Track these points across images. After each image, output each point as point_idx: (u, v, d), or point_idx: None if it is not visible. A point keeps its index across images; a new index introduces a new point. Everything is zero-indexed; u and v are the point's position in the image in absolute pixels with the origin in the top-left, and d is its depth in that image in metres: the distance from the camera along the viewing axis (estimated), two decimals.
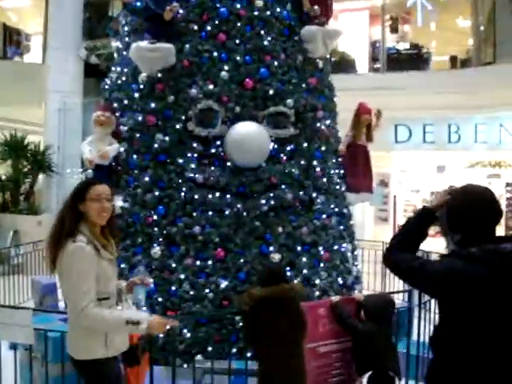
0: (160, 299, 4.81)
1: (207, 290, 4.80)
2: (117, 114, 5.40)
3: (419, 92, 12.80)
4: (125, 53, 5.55)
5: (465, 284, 2.22)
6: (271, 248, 4.98)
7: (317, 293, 5.05)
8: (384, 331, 4.01)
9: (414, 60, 14.88)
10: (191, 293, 4.79)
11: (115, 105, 5.51)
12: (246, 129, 5.03)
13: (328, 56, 6.03)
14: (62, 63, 12.36)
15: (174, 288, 4.82)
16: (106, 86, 5.84)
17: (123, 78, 5.54)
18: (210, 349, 4.65)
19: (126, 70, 5.53)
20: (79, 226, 2.95)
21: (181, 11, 5.19)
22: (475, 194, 2.39)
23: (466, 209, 2.34)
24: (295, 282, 4.64)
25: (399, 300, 5.96)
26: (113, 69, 5.89)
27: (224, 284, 4.81)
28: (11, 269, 8.39)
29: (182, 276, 4.83)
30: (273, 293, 3.66)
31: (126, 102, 5.42)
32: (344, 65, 14.69)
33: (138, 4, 5.32)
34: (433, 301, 5.70)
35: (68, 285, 2.91)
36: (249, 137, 4.97)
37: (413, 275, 2.42)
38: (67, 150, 12.15)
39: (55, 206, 11.73)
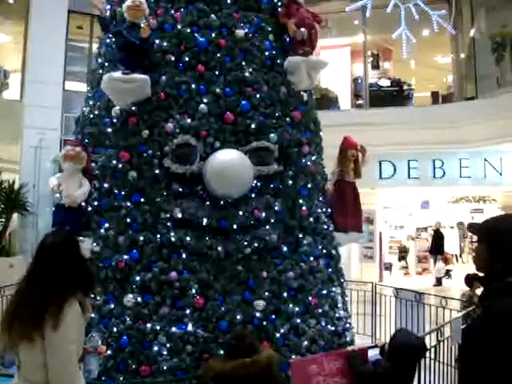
0: (133, 352, 4.41)
1: (185, 342, 4.42)
2: (89, 150, 5.04)
3: (403, 128, 12.81)
4: (98, 85, 5.23)
5: None
6: (255, 294, 4.64)
7: (305, 342, 4.74)
8: (403, 373, 3.54)
9: (396, 96, 14.97)
10: (168, 345, 4.42)
11: (87, 140, 5.18)
12: (226, 156, 4.74)
13: (312, 88, 5.78)
14: (39, 99, 12.05)
15: (148, 340, 4.45)
16: (79, 121, 5.52)
17: (96, 112, 5.24)
18: None
19: (98, 103, 5.23)
20: None
21: (157, 41, 4.94)
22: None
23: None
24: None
25: None
26: (85, 102, 5.56)
27: (204, 335, 4.43)
28: None
29: (158, 327, 4.46)
30: (234, 370, 3.29)
31: (98, 137, 5.10)
32: (327, 101, 14.70)
33: (113, 28, 5.02)
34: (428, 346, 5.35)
35: (61, 340, 2.58)
36: (230, 165, 4.67)
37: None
38: (43, 189, 11.72)
39: (30, 248, 11.20)
